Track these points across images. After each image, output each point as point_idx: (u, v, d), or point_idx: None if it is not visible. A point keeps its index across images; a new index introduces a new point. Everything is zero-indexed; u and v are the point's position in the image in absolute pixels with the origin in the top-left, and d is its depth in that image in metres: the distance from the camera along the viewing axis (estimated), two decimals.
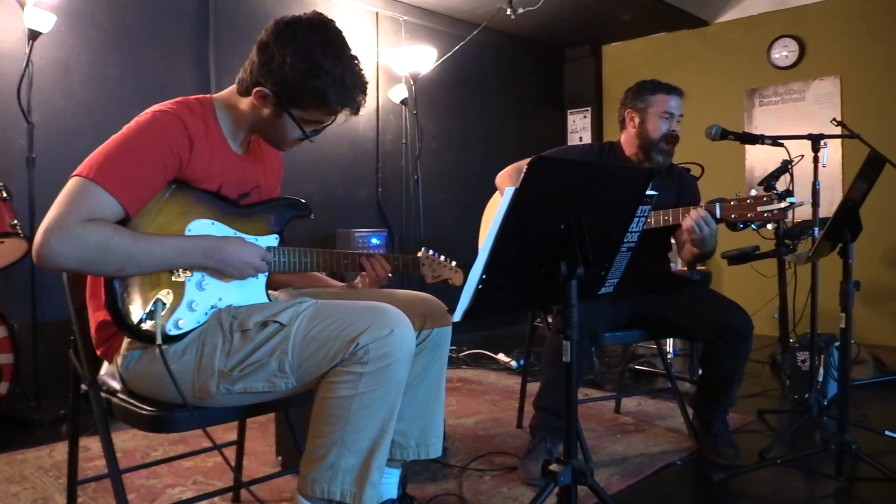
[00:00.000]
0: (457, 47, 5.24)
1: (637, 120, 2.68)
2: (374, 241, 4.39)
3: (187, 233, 1.59)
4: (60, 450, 2.74)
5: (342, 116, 1.69)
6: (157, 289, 1.54)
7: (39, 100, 3.47)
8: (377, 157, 4.97)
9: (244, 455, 2.28)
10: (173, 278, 1.56)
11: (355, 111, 1.68)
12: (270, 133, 1.71)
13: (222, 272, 1.60)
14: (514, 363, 4.27)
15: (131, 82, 3.80)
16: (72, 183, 1.46)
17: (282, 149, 1.79)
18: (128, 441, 2.83)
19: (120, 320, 1.52)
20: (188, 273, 1.58)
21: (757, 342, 2.56)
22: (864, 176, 2.27)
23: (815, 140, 2.89)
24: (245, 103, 1.67)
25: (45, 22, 3.29)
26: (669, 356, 4.04)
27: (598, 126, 6.34)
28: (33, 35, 3.29)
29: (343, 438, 1.53)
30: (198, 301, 1.59)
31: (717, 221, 2.33)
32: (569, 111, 6.44)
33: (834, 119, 3.66)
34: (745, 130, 5.52)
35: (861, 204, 2.33)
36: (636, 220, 1.81)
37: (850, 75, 5.07)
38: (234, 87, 1.70)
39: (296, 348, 1.54)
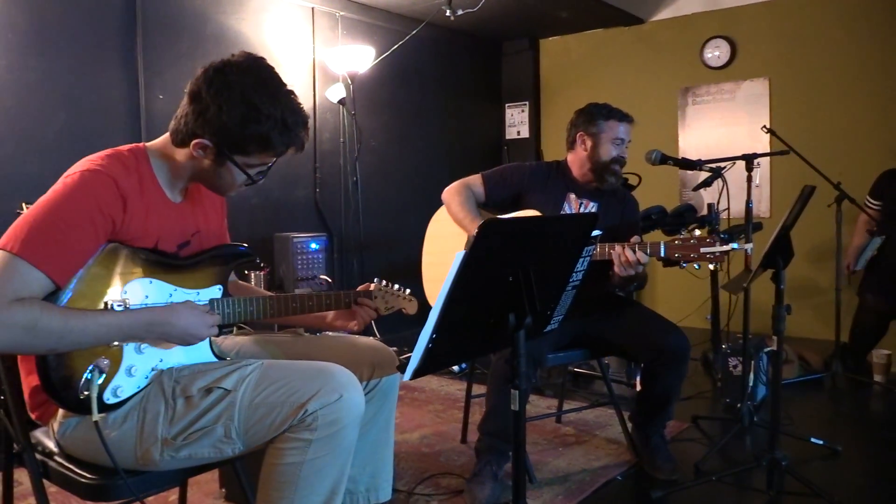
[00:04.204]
0: (395, 46, 5.16)
1: (589, 143, 2.73)
2: (314, 245, 4.30)
3: (123, 294, 1.51)
4: None
5: (287, 153, 1.64)
6: (92, 356, 1.47)
7: None
8: (315, 157, 4.88)
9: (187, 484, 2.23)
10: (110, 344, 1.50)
11: (300, 148, 1.64)
12: (214, 182, 1.65)
13: (167, 341, 1.55)
14: (456, 367, 4.29)
15: (55, 86, 3.60)
16: None
17: (225, 195, 1.74)
18: None
19: (53, 391, 1.45)
20: None
21: (690, 337, 2.66)
22: (799, 206, 2.37)
23: (749, 160, 2.96)
24: (182, 154, 1.61)
25: None
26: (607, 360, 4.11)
27: (535, 120, 6.36)
28: None
29: None
30: (137, 365, 1.53)
31: (660, 259, 2.38)
32: (507, 105, 6.44)
33: (764, 126, 3.77)
34: (679, 128, 5.66)
35: (791, 228, 2.44)
36: (581, 259, 1.84)
37: (778, 77, 5.22)
38: (167, 136, 1.63)
39: (242, 414, 1.51)
